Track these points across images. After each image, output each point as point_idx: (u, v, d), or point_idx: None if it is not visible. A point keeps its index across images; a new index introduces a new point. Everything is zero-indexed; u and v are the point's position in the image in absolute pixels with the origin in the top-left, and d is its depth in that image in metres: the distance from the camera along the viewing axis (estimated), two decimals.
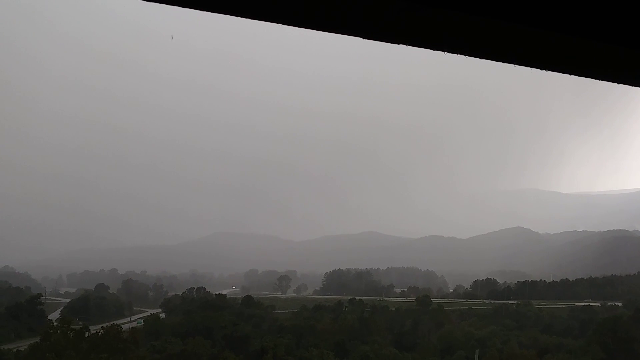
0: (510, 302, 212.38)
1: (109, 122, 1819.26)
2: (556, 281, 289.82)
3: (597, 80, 4.39)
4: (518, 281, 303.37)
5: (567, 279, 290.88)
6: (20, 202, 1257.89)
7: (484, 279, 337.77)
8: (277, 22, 3.80)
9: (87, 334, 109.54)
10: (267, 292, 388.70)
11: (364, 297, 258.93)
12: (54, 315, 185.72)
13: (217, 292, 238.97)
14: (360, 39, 3.94)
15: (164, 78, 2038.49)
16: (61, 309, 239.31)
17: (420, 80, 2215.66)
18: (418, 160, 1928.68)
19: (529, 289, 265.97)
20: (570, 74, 4.33)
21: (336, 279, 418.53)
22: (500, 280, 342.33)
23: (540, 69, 4.25)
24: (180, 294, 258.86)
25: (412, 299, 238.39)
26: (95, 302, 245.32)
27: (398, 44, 3.96)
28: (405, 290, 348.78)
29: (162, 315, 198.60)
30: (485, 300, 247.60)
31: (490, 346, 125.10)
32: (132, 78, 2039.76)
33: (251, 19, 3.76)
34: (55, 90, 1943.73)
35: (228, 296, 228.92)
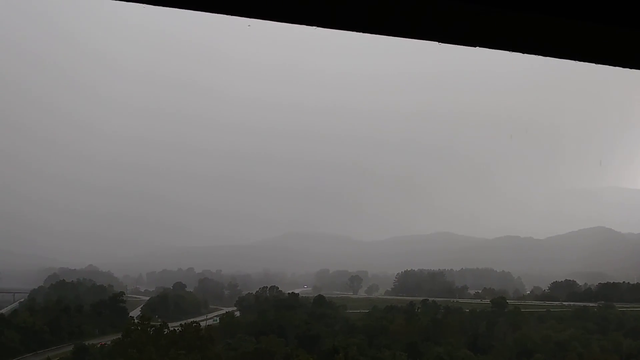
0: (591, 304, 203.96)
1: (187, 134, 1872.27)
2: None
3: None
4: (599, 283, 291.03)
5: None
6: (97, 197, 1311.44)
7: (563, 280, 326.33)
8: (353, 30, 3.83)
9: (165, 331, 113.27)
10: (338, 292, 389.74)
11: (437, 299, 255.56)
12: (135, 313, 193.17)
13: (289, 291, 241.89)
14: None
15: (227, 94, 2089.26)
16: (141, 306, 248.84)
17: (501, 69, 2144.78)
18: (492, 152, 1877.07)
19: (611, 290, 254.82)
20: (579, 60, 4.28)
21: (408, 280, 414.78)
22: (580, 282, 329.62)
23: (548, 56, 4.20)
24: (254, 293, 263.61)
25: (487, 301, 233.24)
26: (173, 300, 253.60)
27: (396, 36, 3.97)
28: (480, 291, 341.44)
29: (237, 314, 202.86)
30: (564, 303, 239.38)
31: (570, 350, 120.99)
32: (198, 97, 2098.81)
33: (317, 26, 3.79)
34: (146, 92, 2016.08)
35: (300, 295, 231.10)
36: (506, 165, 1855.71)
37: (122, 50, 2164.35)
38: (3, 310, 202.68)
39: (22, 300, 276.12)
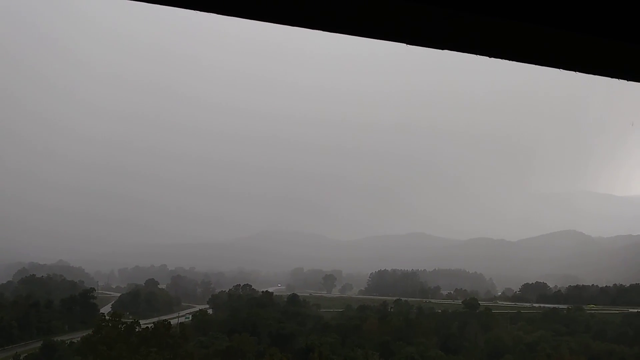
0: (561, 306, 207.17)
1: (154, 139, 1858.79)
2: (609, 286, 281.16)
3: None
4: (569, 285, 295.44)
5: (621, 284, 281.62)
6: (73, 195, 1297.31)
7: (534, 282, 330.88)
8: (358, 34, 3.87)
9: (137, 329, 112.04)
10: (312, 291, 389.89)
11: (409, 299, 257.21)
12: (106, 309, 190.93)
13: (263, 290, 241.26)
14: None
15: (205, 102, 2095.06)
16: (112, 302, 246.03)
17: (475, 86, 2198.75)
18: (468, 164, 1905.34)
19: (580, 293, 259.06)
20: (568, 70, 4.31)
21: (382, 280, 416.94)
22: (550, 284, 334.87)
23: (537, 64, 4.24)
24: (227, 291, 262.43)
25: (459, 302, 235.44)
26: (145, 297, 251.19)
27: (397, 42, 3.98)
28: (452, 292, 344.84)
29: (210, 311, 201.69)
30: (534, 304, 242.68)
31: (539, 351, 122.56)
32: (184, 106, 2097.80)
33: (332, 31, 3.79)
34: (131, 93, 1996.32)
35: (274, 294, 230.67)
36: (480, 173, 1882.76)
37: (100, 55, 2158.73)
38: None
39: None
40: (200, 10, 3.64)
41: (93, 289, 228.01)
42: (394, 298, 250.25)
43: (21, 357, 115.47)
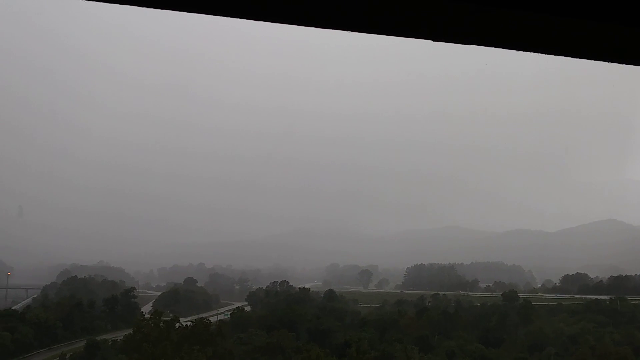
0: (603, 297, 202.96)
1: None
2: None
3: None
4: (611, 276, 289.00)
5: None
6: (106, 198, 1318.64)
7: (574, 273, 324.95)
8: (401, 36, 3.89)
9: (177, 326, 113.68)
10: (348, 287, 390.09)
11: (447, 292, 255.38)
12: (147, 308, 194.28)
13: (299, 286, 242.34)
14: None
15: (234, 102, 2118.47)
16: (153, 301, 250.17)
17: (516, 71, 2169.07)
18: (504, 155, 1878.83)
19: (623, 283, 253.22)
20: (579, 58, 4.29)
21: (418, 274, 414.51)
22: (591, 275, 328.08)
23: (548, 54, 4.25)
24: (265, 288, 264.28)
25: (498, 294, 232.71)
26: (184, 295, 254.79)
27: (400, 36, 3.99)
28: (491, 285, 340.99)
29: (248, 308, 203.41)
30: (575, 296, 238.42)
31: (582, 343, 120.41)
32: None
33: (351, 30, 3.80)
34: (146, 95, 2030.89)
35: (310, 290, 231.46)
36: (517, 163, 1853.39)
37: (118, 58, 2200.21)
38: (16, 306, 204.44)
39: (35, 296, 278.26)
40: (197, 12, 3.61)
41: (134, 288, 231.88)
42: (432, 292, 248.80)
43: (67, 357, 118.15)
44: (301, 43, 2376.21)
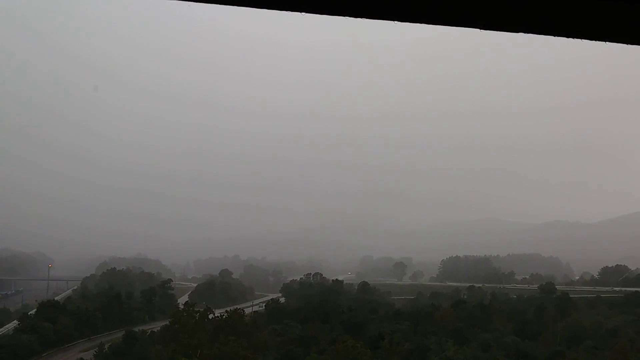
0: None
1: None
2: None
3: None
4: None
5: None
6: (144, 199, 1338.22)
7: (614, 265, 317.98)
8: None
9: (210, 316, 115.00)
10: (382, 279, 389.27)
11: (483, 285, 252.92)
12: (183, 299, 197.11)
13: (333, 278, 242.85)
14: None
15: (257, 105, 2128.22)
16: (189, 293, 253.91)
17: (551, 63, 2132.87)
18: (542, 145, 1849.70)
19: None
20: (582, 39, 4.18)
21: (454, 266, 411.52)
22: (632, 267, 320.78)
23: (550, 35, 4.12)
24: (298, 280, 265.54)
25: (535, 287, 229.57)
26: (220, 286, 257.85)
27: (392, 20, 3.91)
28: (527, 277, 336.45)
29: (282, 300, 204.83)
30: (615, 288, 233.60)
31: (622, 336, 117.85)
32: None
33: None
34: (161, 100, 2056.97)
35: (344, 282, 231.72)
36: (554, 152, 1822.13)
37: (133, 63, 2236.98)
38: (57, 297, 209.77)
39: (75, 287, 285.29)
40: (203, 2, 3.62)
41: (170, 280, 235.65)
42: (467, 284, 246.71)
43: (106, 347, 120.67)
44: (329, 45, 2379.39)
